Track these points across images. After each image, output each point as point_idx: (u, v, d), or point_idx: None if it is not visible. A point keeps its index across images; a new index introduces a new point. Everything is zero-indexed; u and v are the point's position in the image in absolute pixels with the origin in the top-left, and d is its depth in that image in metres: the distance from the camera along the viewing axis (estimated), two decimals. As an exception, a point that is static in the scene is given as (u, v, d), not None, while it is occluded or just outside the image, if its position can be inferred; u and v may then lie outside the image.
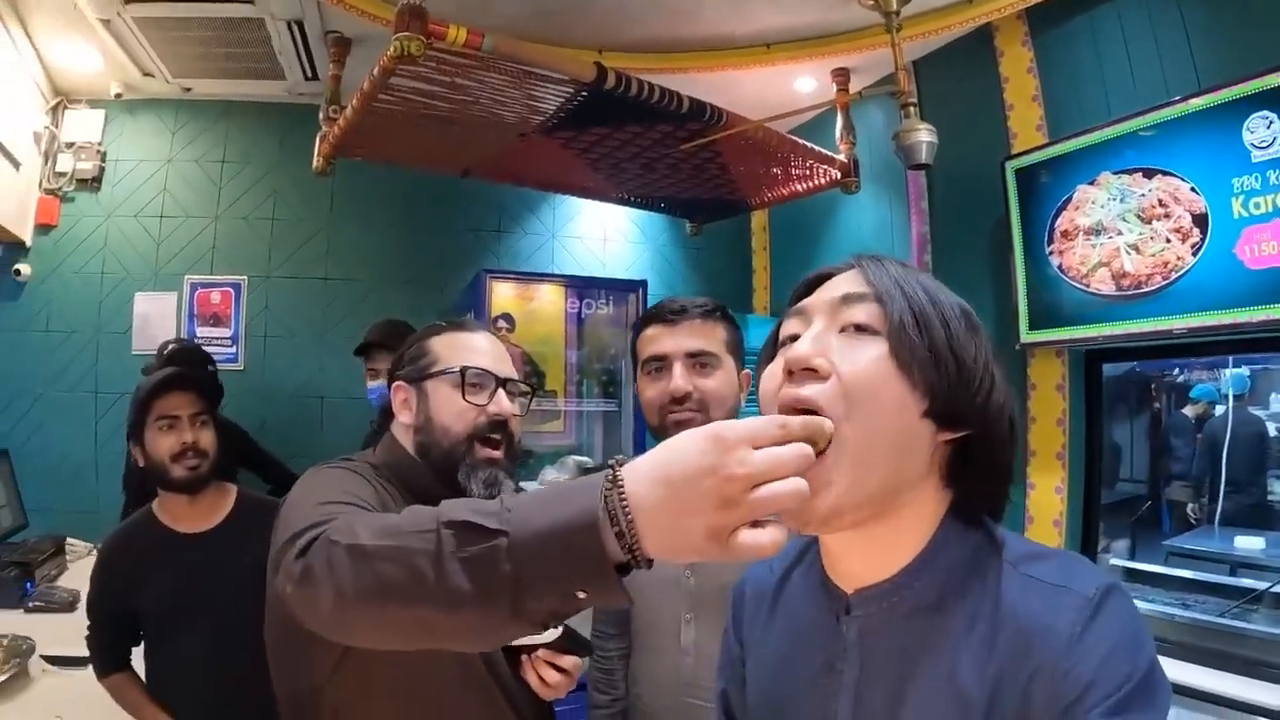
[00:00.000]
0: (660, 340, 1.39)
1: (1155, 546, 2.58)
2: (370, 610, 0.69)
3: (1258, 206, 2.06)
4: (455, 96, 2.16)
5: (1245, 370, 2.48)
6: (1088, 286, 2.44)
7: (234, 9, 2.81)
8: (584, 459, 3.56)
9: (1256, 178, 2.05)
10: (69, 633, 1.99)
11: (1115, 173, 2.38)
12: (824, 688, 0.74)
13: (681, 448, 0.57)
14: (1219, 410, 2.54)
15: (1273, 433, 2.42)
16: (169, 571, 1.77)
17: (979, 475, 0.71)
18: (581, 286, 3.80)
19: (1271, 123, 2.03)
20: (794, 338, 0.71)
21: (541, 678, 1.15)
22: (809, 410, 0.65)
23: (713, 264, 4.40)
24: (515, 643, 1.14)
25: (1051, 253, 2.55)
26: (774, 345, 0.77)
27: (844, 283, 0.73)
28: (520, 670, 1.18)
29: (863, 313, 0.68)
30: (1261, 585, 2.12)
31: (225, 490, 1.90)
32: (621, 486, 0.58)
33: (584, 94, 2.16)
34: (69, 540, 2.96)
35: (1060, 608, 0.63)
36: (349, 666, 1.06)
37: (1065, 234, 2.51)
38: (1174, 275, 2.22)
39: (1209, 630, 2.11)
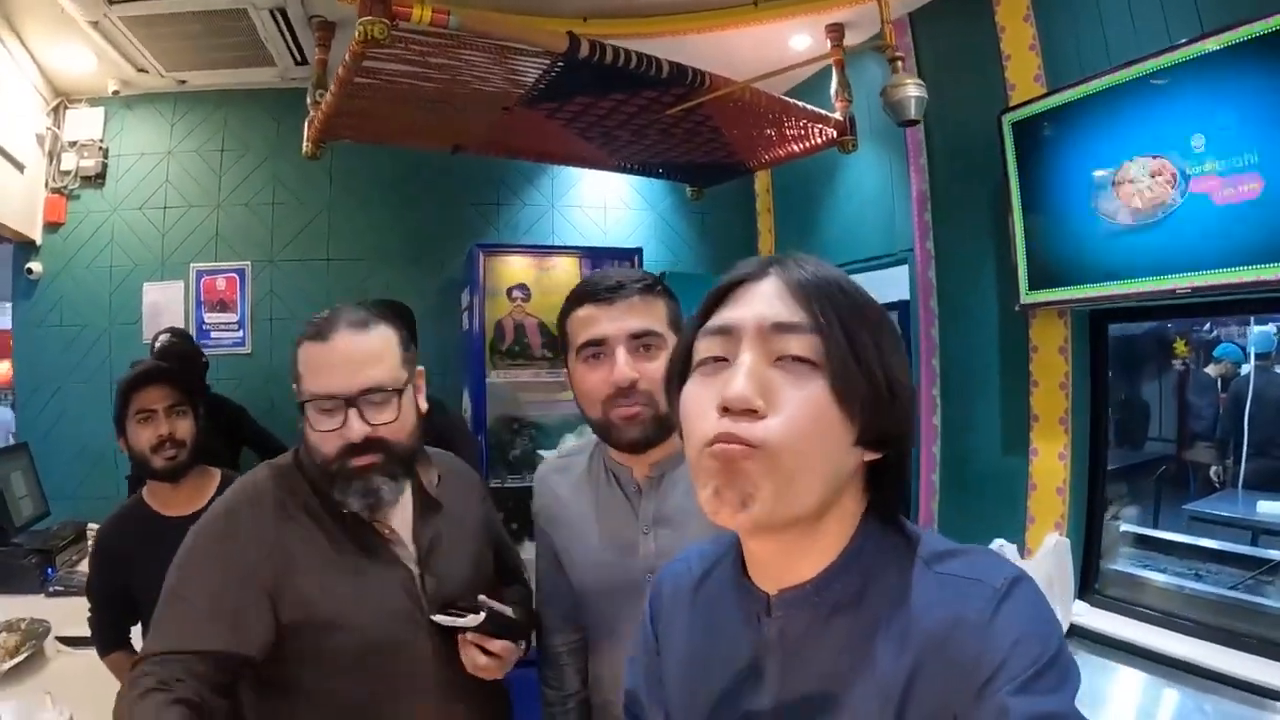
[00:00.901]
0: (598, 322, 1.23)
1: (1177, 510, 2.53)
2: None
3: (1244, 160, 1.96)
4: (433, 74, 2.14)
5: (1271, 328, 2.40)
6: (1093, 236, 2.33)
7: (216, 0, 2.82)
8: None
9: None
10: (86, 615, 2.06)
11: (1116, 123, 2.27)
12: (747, 686, 0.75)
13: None
14: (1244, 370, 2.47)
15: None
16: (159, 554, 1.80)
17: (891, 482, 0.73)
18: (582, 255, 3.79)
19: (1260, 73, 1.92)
20: (717, 359, 0.70)
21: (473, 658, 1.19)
22: (749, 445, 0.64)
23: (717, 228, 4.37)
24: (444, 623, 1.17)
25: (1052, 207, 2.46)
26: (685, 359, 0.74)
27: (769, 299, 0.70)
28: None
29: (799, 345, 0.66)
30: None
31: (209, 475, 1.94)
32: None
33: (560, 64, 2.13)
34: (90, 526, 3.03)
35: (970, 598, 0.65)
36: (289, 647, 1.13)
37: (1067, 187, 2.42)
38: (1172, 223, 2.13)
39: (1218, 605, 2.03)
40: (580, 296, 1.26)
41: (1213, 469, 2.56)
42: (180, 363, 2.59)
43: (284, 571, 1.15)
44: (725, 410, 0.65)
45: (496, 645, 1.19)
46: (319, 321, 1.19)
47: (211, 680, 1.06)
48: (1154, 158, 2.19)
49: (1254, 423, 2.42)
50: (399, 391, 1.19)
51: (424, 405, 1.30)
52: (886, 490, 0.73)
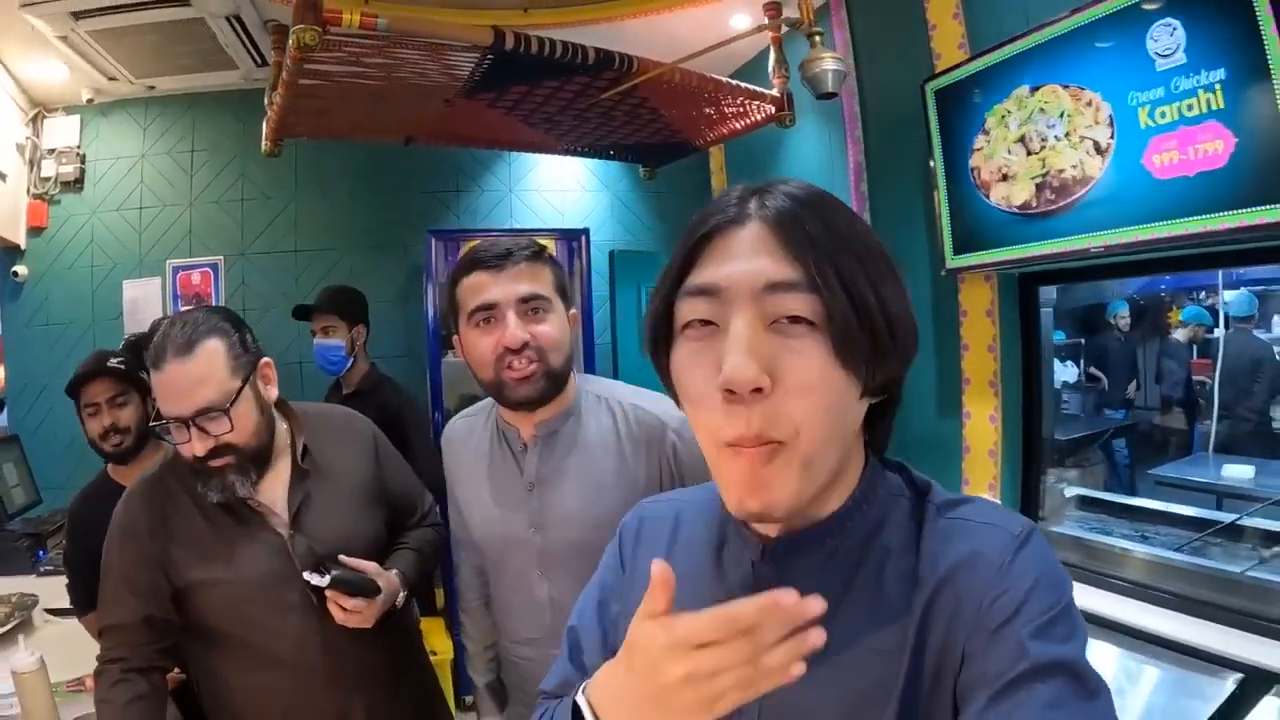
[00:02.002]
0: (488, 288, 1.28)
1: (1143, 474, 2.50)
2: None
3: (1163, 116, 2.00)
4: (372, 72, 2.25)
5: (1244, 291, 2.41)
6: (1008, 205, 2.38)
7: (173, 12, 2.97)
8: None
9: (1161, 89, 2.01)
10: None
11: (1032, 87, 2.34)
12: None
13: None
14: (1217, 333, 2.46)
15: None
16: None
17: (886, 417, 0.72)
18: (533, 239, 3.88)
19: (1175, 30, 1.99)
20: (705, 322, 0.64)
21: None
22: (769, 442, 0.61)
23: (674, 206, 4.48)
24: (307, 580, 1.34)
25: (971, 172, 2.52)
26: (667, 320, 0.68)
27: (756, 250, 0.63)
28: None
29: (796, 304, 0.61)
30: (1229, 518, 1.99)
31: (159, 448, 2.12)
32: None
33: (490, 57, 2.24)
34: (79, 513, 3.22)
35: (990, 540, 0.64)
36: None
37: (983, 152, 2.50)
38: (1088, 189, 2.17)
39: (1161, 566, 1.99)
40: (470, 264, 1.31)
41: (1178, 433, 2.57)
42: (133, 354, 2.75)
43: (169, 546, 1.38)
44: (730, 393, 0.60)
45: (349, 603, 1.35)
46: (154, 347, 1.29)
47: (151, 642, 1.37)
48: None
49: (1224, 386, 2.38)
50: (229, 405, 1.30)
51: (272, 395, 1.44)
52: (880, 427, 0.72)
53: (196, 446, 1.28)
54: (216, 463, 1.32)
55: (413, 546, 1.58)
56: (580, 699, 0.65)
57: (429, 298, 3.63)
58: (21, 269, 3.75)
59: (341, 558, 1.39)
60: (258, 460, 1.38)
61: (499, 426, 1.41)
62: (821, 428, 0.61)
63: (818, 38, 2.49)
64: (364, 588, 1.37)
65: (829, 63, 2.43)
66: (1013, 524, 0.66)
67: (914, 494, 0.71)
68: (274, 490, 1.44)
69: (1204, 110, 1.95)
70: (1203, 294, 2.58)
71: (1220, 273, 2.36)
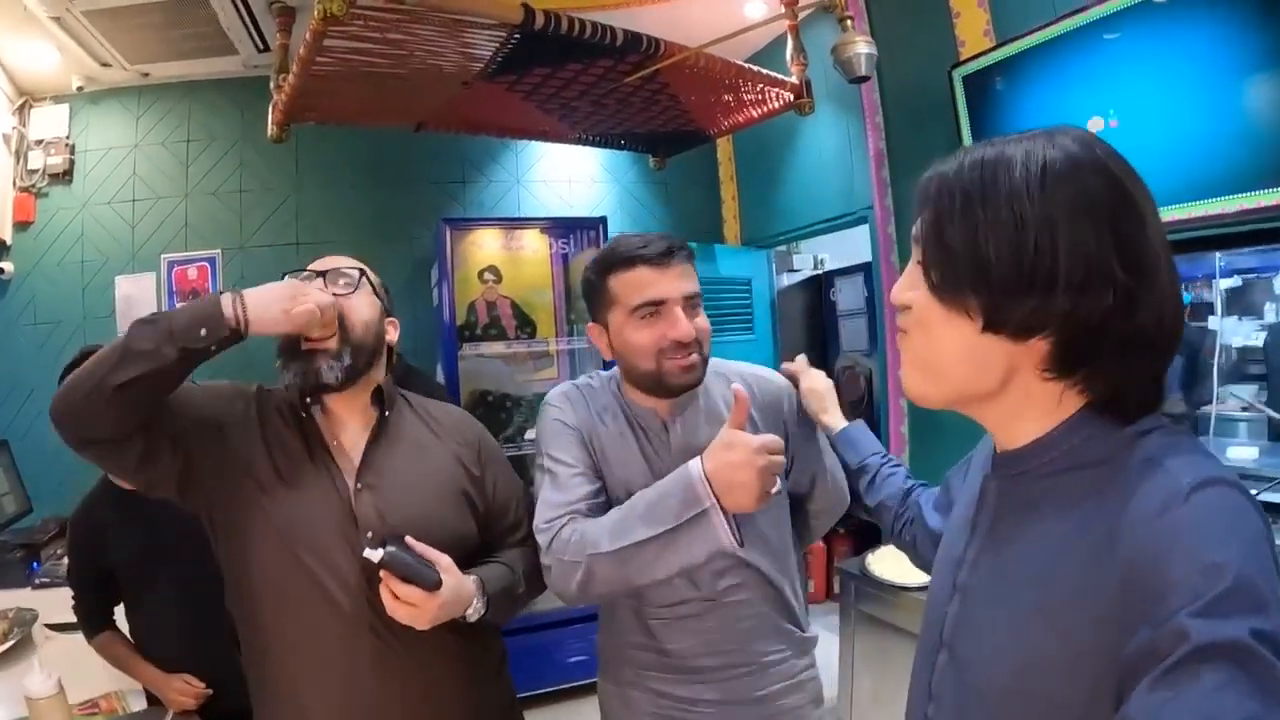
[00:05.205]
0: (656, 284, 1.34)
1: None
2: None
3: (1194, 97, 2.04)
4: (391, 51, 2.18)
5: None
6: None
7: (176, -11, 2.84)
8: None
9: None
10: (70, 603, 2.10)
11: (1063, 74, 2.34)
12: (964, 534, 0.84)
13: None
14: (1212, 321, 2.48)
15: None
16: (128, 528, 1.91)
17: (1095, 376, 0.69)
18: (549, 227, 3.84)
19: (1205, 16, 2.00)
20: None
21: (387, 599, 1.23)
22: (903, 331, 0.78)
23: (681, 197, 4.43)
24: (366, 555, 1.21)
25: None
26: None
27: (922, 218, 0.75)
28: None
29: (919, 252, 0.74)
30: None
31: None
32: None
33: (516, 37, 2.16)
34: (74, 521, 3.08)
35: (1157, 488, 0.61)
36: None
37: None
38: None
39: None
40: (631, 259, 1.35)
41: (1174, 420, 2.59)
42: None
43: (234, 426, 1.31)
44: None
45: (402, 589, 1.20)
46: None
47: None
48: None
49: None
50: (359, 278, 1.39)
51: (390, 336, 1.44)
52: (1099, 385, 0.69)
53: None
54: (319, 340, 1.30)
55: (506, 562, 1.40)
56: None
57: (444, 289, 3.49)
58: (7, 265, 3.60)
59: (409, 539, 1.25)
60: (355, 357, 1.32)
61: (626, 410, 1.43)
62: (931, 341, 0.73)
63: (849, 21, 2.44)
64: (422, 574, 1.22)
65: (862, 46, 2.39)
66: (1194, 477, 0.60)
67: (1134, 445, 0.68)
68: (351, 433, 1.36)
69: (1235, 92, 1.98)
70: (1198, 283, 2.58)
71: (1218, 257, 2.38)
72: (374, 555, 1.19)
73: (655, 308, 1.34)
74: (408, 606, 1.21)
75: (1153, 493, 0.61)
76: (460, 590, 1.26)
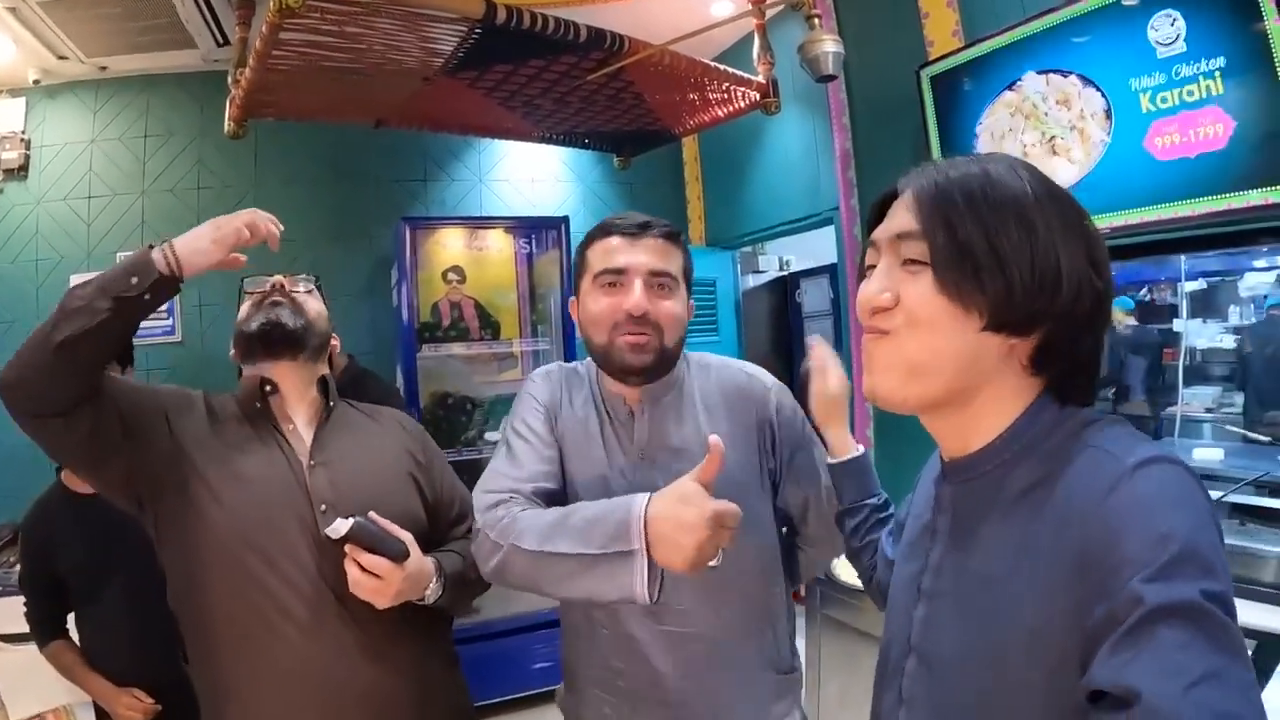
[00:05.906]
0: (621, 253, 1.28)
1: None
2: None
3: (1164, 101, 2.06)
4: (350, 45, 2.14)
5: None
6: None
7: (136, -18, 2.78)
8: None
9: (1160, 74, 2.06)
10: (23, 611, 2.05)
11: (1038, 72, 2.35)
12: (923, 543, 0.84)
13: None
14: (1130, 321, 2.54)
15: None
16: (80, 531, 1.85)
17: (1062, 367, 0.74)
18: (513, 226, 3.81)
19: (1174, 20, 2.03)
20: (871, 268, 0.80)
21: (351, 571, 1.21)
22: (883, 332, 0.76)
23: (646, 197, 4.41)
24: (325, 534, 1.19)
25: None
26: (862, 267, 0.86)
27: (900, 213, 0.77)
28: None
29: (913, 249, 0.74)
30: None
31: None
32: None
33: (478, 31, 2.13)
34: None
35: (1102, 471, 0.64)
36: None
37: (984, 139, 2.50)
38: (1087, 173, 2.22)
39: None
40: (607, 229, 1.32)
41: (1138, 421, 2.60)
42: None
43: (183, 417, 1.34)
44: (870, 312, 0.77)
45: (368, 559, 1.19)
46: None
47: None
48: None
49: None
50: (313, 283, 1.54)
51: (334, 344, 1.52)
52: (1059, 372, 0.74)
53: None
54: (276, 297, 1.42)
55: (458, 550, 1.40)
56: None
57: (403, 289, 3.45)
58: (-41, 263, 3.51)
59: (372, 514, 1.24)
60: (308, 331, 1.40)
61: (597, 395, 1.37)
62: (928, 340, 0.73)
63: (817, 20, 2.43)
64: (389, 545, 1.21)
65: (829, 44, 2.38)
66: (1138, 456, 0.63)
67: (1082, 433, 0.71)
68: (300, 420, 1.39)
69: (1204, 96, 1.99)
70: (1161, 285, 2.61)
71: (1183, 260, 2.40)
72: (342, 526, 1.17)
73: (616, 276, 1.28)
74: (372, 580, 1.20)
75: (1099, 475, 0.64)
76: (421, 568, 1.27)
